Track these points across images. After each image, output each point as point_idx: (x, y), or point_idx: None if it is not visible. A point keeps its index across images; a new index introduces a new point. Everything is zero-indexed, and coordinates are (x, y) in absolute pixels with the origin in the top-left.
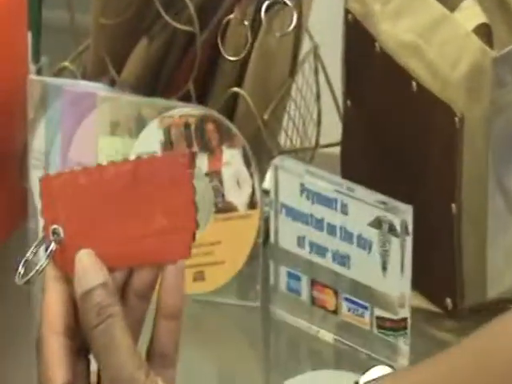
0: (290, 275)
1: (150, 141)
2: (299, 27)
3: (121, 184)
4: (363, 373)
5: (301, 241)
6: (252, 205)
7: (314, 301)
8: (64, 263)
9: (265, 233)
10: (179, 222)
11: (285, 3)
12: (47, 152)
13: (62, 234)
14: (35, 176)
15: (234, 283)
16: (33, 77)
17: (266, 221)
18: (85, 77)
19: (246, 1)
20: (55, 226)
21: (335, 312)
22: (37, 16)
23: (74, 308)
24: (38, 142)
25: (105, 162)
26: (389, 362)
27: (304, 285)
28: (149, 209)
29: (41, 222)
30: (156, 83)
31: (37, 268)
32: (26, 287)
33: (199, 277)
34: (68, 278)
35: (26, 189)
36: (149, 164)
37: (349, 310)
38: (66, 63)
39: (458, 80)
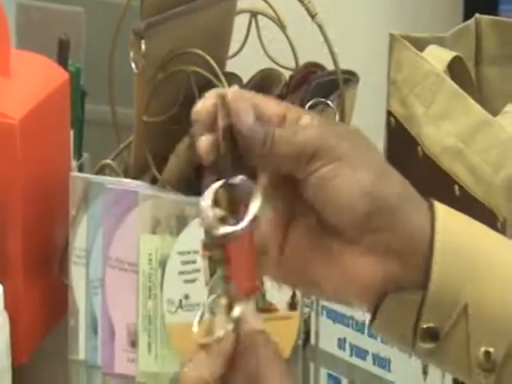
0: (330, 377)
1: (191, 239)
2: None
3: None
4: None
5: (341, 343)
6: (293, 306)
7: None
8: None
9: (305, 334)
10: None
11: (327, 104)
12: (88, 249)
13: None
14: (76, 272)
15: None
16: (74, 174)
17: (306, 322)
18: (127, 174)
19: (289, 100)
20: None
21: None
22: (79, 113)
23: None
24: (79, 238)
25: None
26: None
27: None
28: None
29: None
30: (198, 182)
31: None
32: None
33: None
34: None
35: (67, 285)
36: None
37: None
38: (108, 161)
39: (500, 185)
